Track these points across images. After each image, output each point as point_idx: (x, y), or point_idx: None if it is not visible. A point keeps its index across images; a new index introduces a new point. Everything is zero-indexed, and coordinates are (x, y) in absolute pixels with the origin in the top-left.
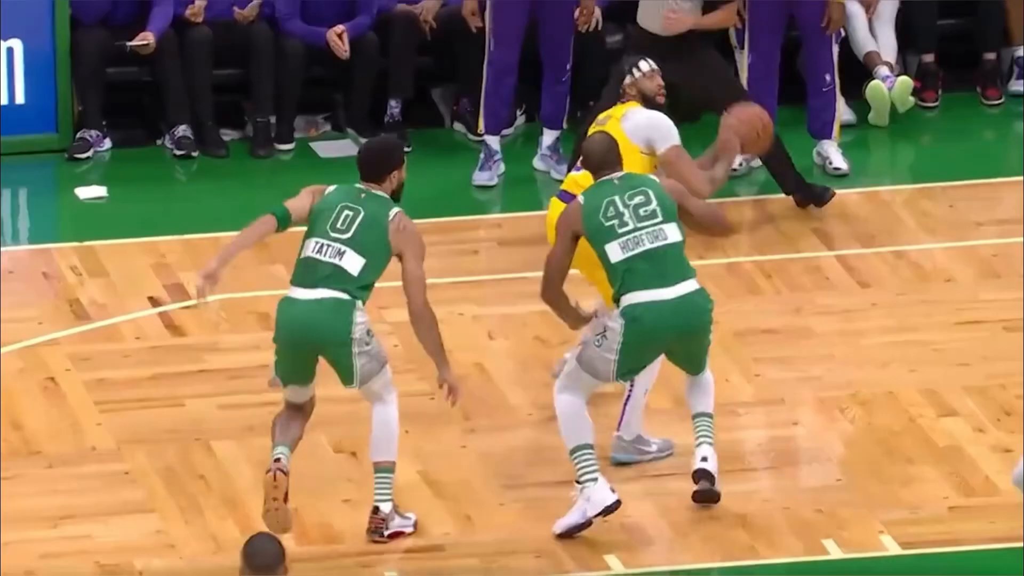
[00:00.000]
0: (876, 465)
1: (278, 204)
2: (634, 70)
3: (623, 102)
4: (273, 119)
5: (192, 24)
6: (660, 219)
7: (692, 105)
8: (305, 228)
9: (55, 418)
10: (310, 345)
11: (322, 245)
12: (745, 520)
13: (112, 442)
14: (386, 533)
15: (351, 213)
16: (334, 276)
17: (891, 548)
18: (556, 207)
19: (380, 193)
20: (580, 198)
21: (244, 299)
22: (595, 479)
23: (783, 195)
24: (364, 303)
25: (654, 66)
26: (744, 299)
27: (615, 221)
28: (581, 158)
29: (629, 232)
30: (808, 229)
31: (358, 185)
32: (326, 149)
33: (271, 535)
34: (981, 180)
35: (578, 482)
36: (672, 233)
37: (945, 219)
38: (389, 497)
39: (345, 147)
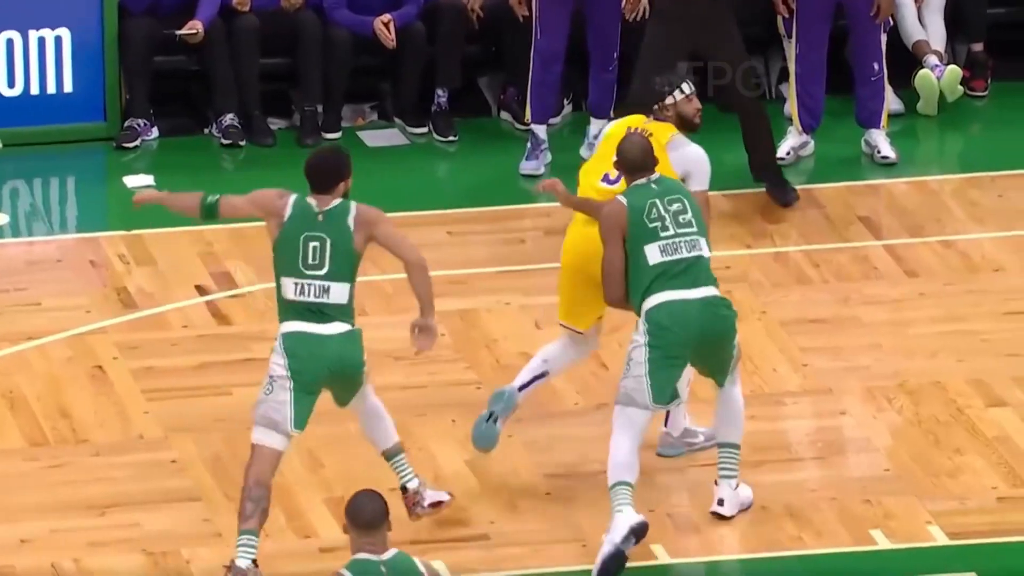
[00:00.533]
0: (924, 455)
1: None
2: (676, 92)
3: (656, 119)
4: (320, 108)
5: (239, 13)
6: (695, 230)
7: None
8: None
9: (103, 406)
10: (337, 378)
11: (302, 286)
12: (792, 510)
13: (159, 430)
14: (426, 504)
15: (318, 244)
16: (329, 311)
17: (939, 538)
18: (577, 227)
19: (333, 205)
20: (622, 199)
21: None
22: (620, 511)
23: (833, 185)
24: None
25: (693, 88)
26: (792, 288)
27: (658, 224)
28: (617, 157)
29: (670, 237)
30: (856, 218)
31: (311, 201)
32: (374, 138)
33: (373, 491)
34: None
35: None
36: (704, 247)
37: (994, 209)
38: (412, 475)
39: (393, 136)
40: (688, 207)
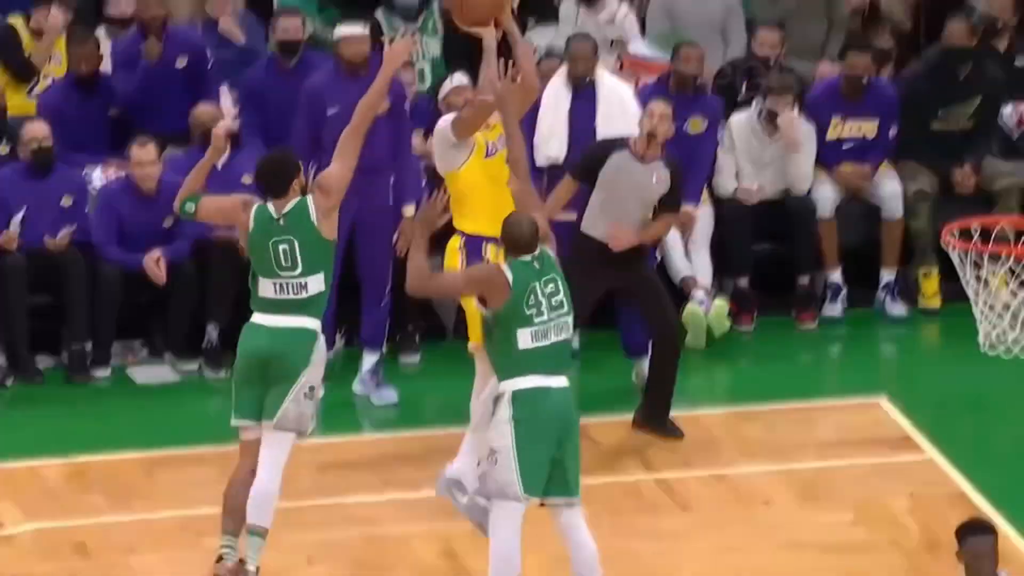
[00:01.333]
0: None
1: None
2: (446, 84)
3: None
4: (89, 345)
5: (5, 252)
6: (565, 310)
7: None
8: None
9: None
10: (268, 363)
11: (280, 285)
12: None
13: None
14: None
15: (287, 247)
16: (302, 306)
17: None
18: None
19: (291, 206)
20: (508, 273)
21: (59, 529)
22: None
23: (604, 418)
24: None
25: (464, 82)
26: None
27: (534, 310)
28: (502, 235)
29: (543, 323)
30: (628, 451)
31: (270, 208)
32: (143, 375)
33: None
34: (798, 403)
35: None
36: (570, 326)
37: (763, 442)
38: (256, 561)
39: (162, 373)
40: (560, 287)
